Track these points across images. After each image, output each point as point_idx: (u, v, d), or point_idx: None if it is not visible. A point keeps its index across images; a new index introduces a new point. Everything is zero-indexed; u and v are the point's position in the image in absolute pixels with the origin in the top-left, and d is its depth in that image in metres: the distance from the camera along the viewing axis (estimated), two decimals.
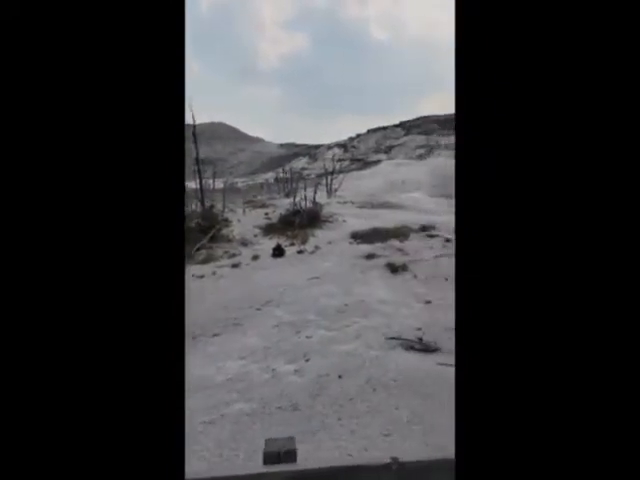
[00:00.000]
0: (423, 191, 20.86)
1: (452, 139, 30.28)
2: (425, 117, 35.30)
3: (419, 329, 5.02)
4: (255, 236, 11.17)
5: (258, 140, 70.97)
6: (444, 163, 24.79)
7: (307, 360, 4.32)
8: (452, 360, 3.43)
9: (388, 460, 0.98)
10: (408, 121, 34.85)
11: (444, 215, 12.17)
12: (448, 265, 7.51)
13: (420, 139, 31.64)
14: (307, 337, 4.94)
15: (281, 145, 64.81)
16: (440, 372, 3.89)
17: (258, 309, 5.99)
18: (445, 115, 34.06)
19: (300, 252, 9.43)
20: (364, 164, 32.73)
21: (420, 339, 4.72)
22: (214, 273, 8.04)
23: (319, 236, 10.86)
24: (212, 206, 13.24)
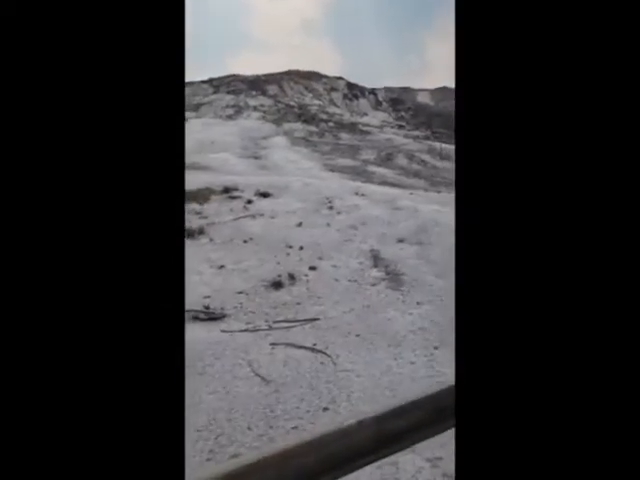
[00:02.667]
0: (232, 152, 20.43)
1: (261, 100, 30.27)
2: (234, 75, 34.21)
3: (208, 297, 4.74)
4: None
5: None
6: (253, 125, 24.73)
7: None
8: (238, 325, 3.18)
9: None
10: (217, 78, 33.30)
11: (250, 176, 12.06)
12: (247, 227, 7.38)
13: (229, 98, 30.72)
14: None
15: None
16: (222, 340, 3.69)
17: None
18: (253, 75, 33.71)
19: None
20: None
21: (207, 307, 4.44)
22: None
23: None
24: None
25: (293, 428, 2.87)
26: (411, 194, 13.49)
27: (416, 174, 22.99)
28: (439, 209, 9.90)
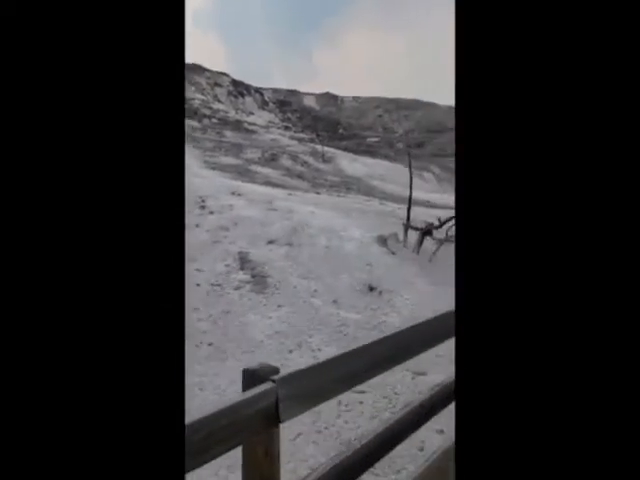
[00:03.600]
0: None
1: None
2: None
3: None
4: None
5: None
6: None
7: None
8: None
9: None
10: None
11: None
12: None
13: None
14: None
15: None
16: None
17: None
18: None
19: None
20: None
21: None
22: None
23: None
24: None
25: None
26: (289, 195, 13.58)
27: (299, 175, 23.37)
28: (314, 210, 10.08)
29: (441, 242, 7.26)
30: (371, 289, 5.96)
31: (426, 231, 7.47)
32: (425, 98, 55.78)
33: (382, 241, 7.62)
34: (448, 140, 44.34)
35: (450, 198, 20.85)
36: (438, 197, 19.68)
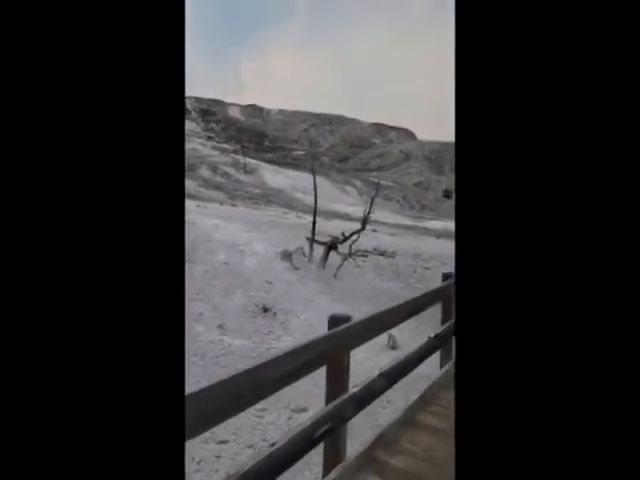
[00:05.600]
0: None
1: None
2: None
3: None
4: None
5: None
6: None
7: None
8: None
9: None
10: None
11: None
12: None
13: None
14: None
15: None
16: None
17: None
18: None
19: None
20: None
21: None
22: None
23: None
24: None
25: None
26: (198, 207, 12.77)
27: (218, 186, 22.46)
28: (219, 223, 9.42)
29: (345, 257, 6.95)
30: (265, 310, 5.44)
31: (331, 245, 7.13)
32: (349, 115, 57.28)
33: (286, 256, 7.16)
34: (371, 155, 45.67)
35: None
36: (358, 210, 19.84)
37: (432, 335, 2.56)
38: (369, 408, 1.94)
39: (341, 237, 7.30)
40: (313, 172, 9.71)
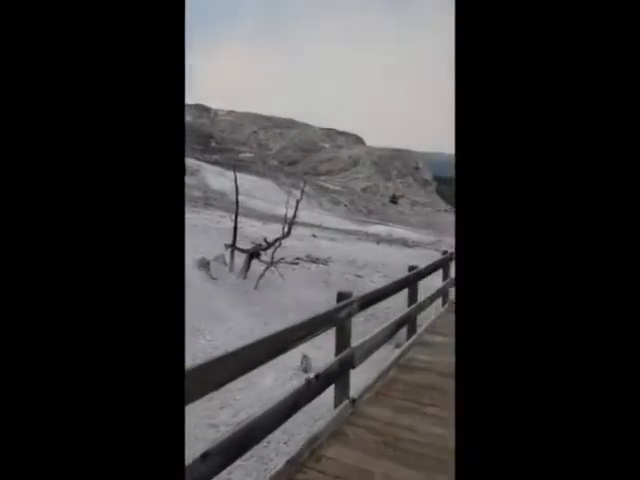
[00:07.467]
0: None
1: None
2: None
3: None
4: None
5: None
6: None
7: None
8: None
9: None
10: None
11: None
12: None
13: None
14: None
15: None
16: None
17: None
18: None
19: None
20: None
21: None
22: None
23: None
24: None
25: None
26: None
27: None
28: None
29: (267, 266, 6.38)
30: None
31: (253, 253, 6.54)
32: (299, 119, 57.05)
33: (203, 265, 6.49)
34: (320, 159, 45.48)
35: (314, 216, 20.78)
36: (304, 214, 19.33)
37: (312, 376, 2.05)
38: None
39: (264, 244, 6.72)
40: (234, 170, 9.08)
